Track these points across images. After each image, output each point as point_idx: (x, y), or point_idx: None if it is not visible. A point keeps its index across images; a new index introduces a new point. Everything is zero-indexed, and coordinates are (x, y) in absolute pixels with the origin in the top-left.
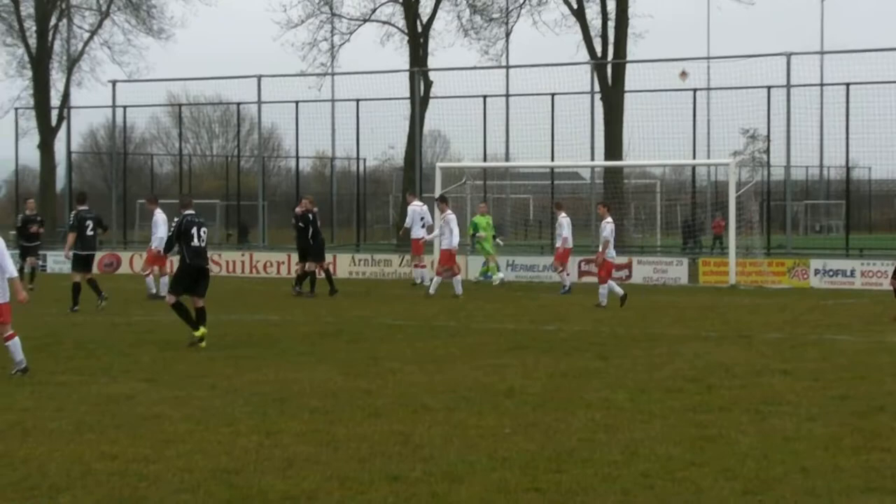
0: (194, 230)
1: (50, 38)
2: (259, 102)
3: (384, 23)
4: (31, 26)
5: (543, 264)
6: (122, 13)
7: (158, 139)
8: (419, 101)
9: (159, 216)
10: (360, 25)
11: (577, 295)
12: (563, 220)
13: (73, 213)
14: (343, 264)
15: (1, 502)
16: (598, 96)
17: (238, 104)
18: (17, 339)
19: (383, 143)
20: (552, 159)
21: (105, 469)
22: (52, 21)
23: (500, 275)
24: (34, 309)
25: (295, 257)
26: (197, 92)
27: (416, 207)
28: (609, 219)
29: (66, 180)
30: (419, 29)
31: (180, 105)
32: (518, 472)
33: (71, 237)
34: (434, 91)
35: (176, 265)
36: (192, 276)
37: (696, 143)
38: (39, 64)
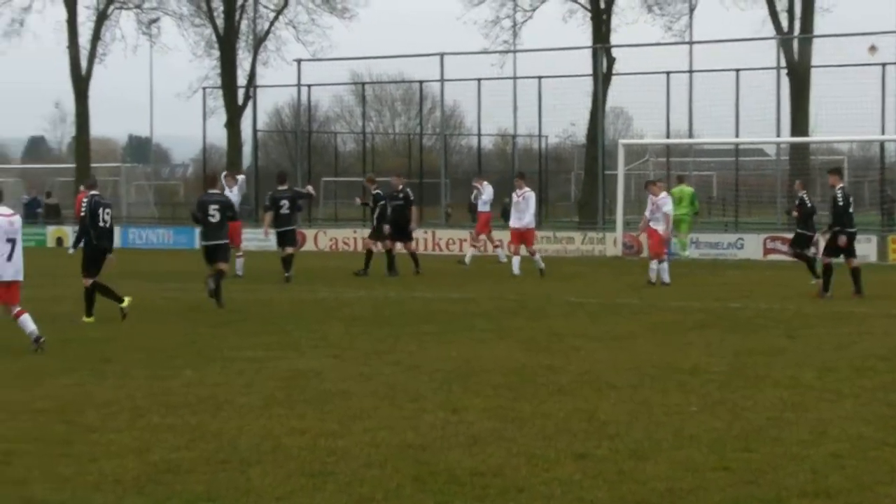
0: (100, 211)
1: (237, 18)
2: (442, 80)
3: None
4: (218, 6)
5: (728, 241)
6: None
7: (342, 117)
8: (602, 78)
9: (530, 195)
10: (542, 2)
11: (764, 272)
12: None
13: (270, 193)
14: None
15: (194, 474)
16: (783, 72)
17: (421, 82)
18: (26, 314)
19: (565, 121)
20: (736, 136)
21: (294, 443)
22: (240, 1)
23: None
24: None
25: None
26: (380, 70)
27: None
28: (664, 194)
29: (251, 159)
30: (602, 5)
31: (363, 83)
32: (705, 451)
33: (268, 216)
34: (617, 68)
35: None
36: (100, 258)
37: (885, 119)
38: (226, 44)
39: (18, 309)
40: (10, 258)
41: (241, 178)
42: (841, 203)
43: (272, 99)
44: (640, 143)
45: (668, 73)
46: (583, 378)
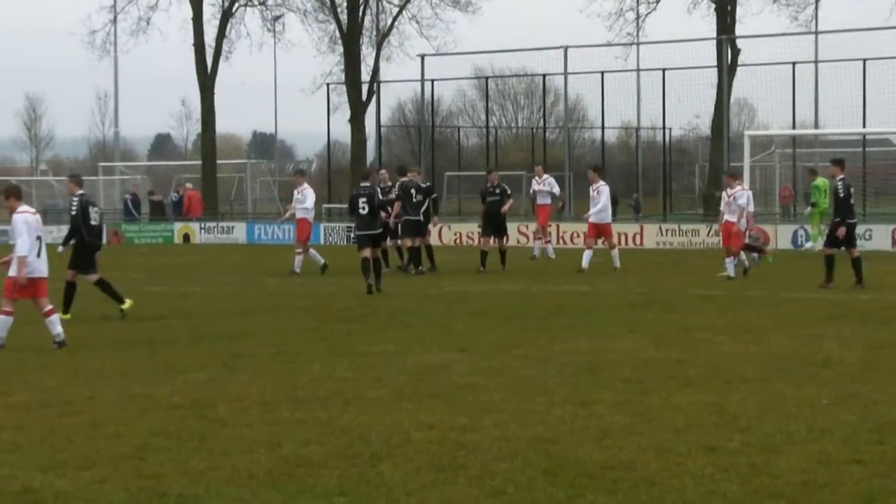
0: (90, 210)
1: (360, 14)
2: (565, 73)
3: None
4: (342, 3)
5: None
6: None
7: (465, 112)
8: (726, 69)
9: (604, 188)
10: None
11: (893, 263)
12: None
13: (399, 183)
14: (650, 235)
15: (326, 469)
16: None
17: (544, 76)
18: (55, 314)
19: (689, 113)
20: (863, 126)
21: (424, 437)
22: None
23: (809, 244)
24: (346, 280)
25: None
26: (502, 64)
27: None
28: (740, 187)
29: (375, 154)
30: None
31: (486, 78)
32: (839, 444)
33: (397, 206)
34: (741, 58)
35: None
36: (92, 255)
37: None
38: (350, 40)
39: (50, 307)
40: (39, 254)
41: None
42: (842, 194)
43: (395, 94)
44: (766, 135)
45: (793, 63)
46: (712, 371)
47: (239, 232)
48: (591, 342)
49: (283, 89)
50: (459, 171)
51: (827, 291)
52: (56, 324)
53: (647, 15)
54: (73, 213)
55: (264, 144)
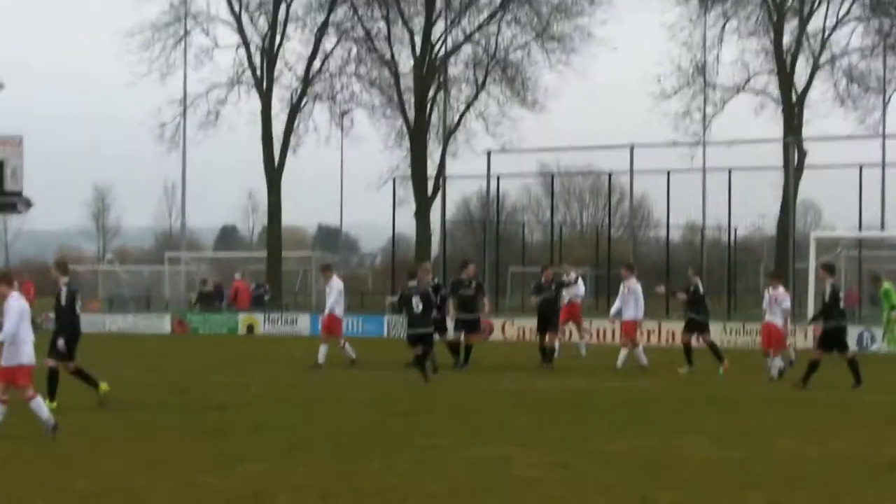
0: (77, 297)
1: (427, 110)
2: (631, 172)
3: (758, 92)
4: (409, 99)
5: None
6: (497, 86)
7: (530, 208)
8: (793, 170)
9: (636, 287)
10: (733, 96)
11: None
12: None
13: (453, 280)
14: (715, 333)
15: None
16: None
17: (609, 173)
18: (38, 398)
19: (754, 213)
20: None
21: None
22: (430, 94)
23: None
24: (405, 374)
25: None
26: (568, 161)
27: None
28: (782, 288)
29: (440, 248)
30: (794, 98)
31: (552, 175)
32: None
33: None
34: (808, 160)
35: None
36: (75, 343)
37: None
38: (417, 135)
39: (32, 392)
40: (26, 340)
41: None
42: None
43: (461, 189)
44: (832, 237)
45: (860, 165)
46: (774, 472)
47: (303, 323)
48: (653, 440)
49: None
50: (524, 266)
51: (887, 394)
52: (42, 408)
53: (713, 116)
54: (63, 302)
55: (329, 237)
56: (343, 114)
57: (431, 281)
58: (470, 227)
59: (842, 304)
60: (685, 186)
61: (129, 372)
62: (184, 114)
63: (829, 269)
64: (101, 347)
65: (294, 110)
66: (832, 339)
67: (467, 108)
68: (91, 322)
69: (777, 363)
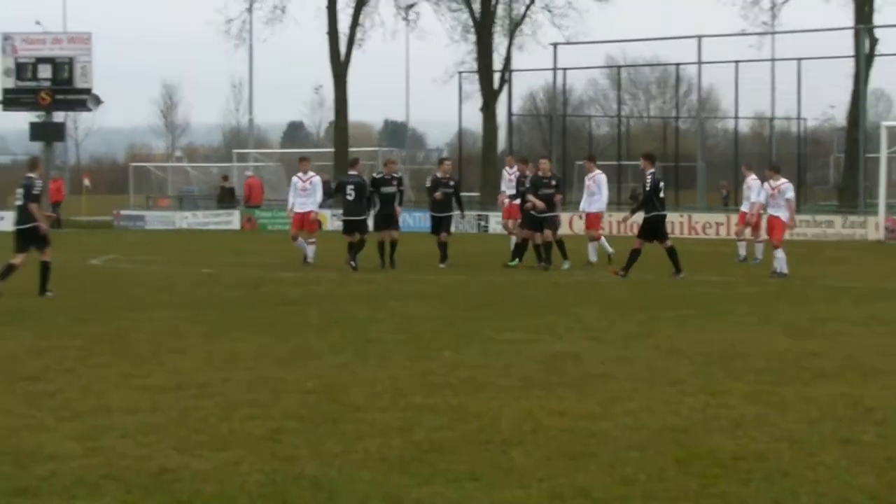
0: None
1: (493, 2)
2: (699, 63)
3: None
4: None
5: None
6: None
7: (596, 101)
8: (864, 60)
9: (601, 178)
10: None
11: None
12: (753, 182)
13: (532, 177)
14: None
15: (457, 454)
16: None
17: (677, 65)
18: None
19: (824, 103)
20: None
21: (554, 425)
22: None
23: None
24: (476, 270)
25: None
26: (635, 53)
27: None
28: (784, 179)
29: (506, 143)
30: None
31: (619, 67)
32: None
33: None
34: (879, 48)
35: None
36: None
37: None
38: (483, 28)
39: None
40: None
41: (316, 179)
42: (648, 188)
43: (527, 83)
44: None
45: None
46: (847, 363)
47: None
48: (723, 332)
49: (416, 77)
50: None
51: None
52: None
53: (782, 4)
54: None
55: (396, 133)
56: (409, 7)
57: (448, 177)
58: (536, 121)
59: (661, 194)
60: (754, 77)
61: (200, 268)
62: (250, 9)
63: (650, 158)
64: (171, 244)
65: (360, 4)
66: (654, 229)
67: (533, 0)
68: (161, 219)
69: (780, 255)
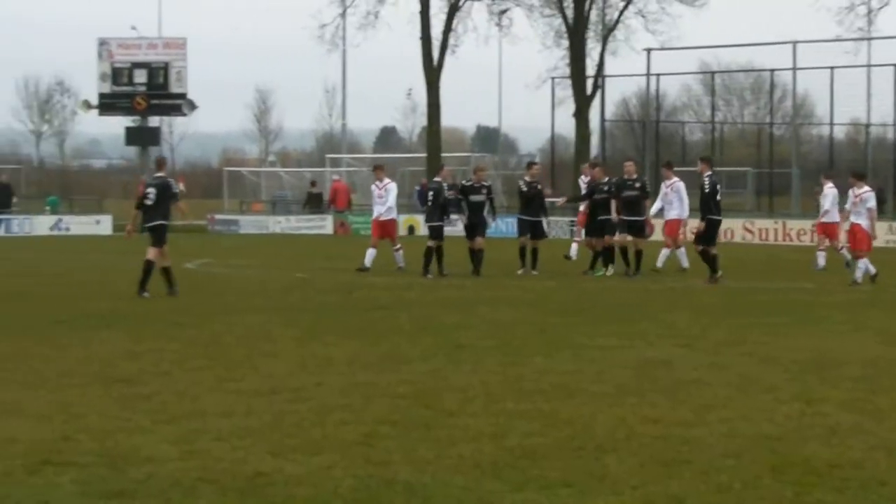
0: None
1: (587, 8)
2: (794, 69)
3: None
4: None
5: None
6: None
7: (689, 107)
8: None
9: (679, 185)
10: None
11: None
12: (829, 190)
13: (616, 180)
14: (881, 232)
15: (549, 460)
16: None
17: (771, 71)
18: None
19: None
20: None
21: (647, 432)
22: None
23: None
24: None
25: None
26: (729, 59)
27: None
28: (867, 188)
29: (599, 148)
30: None
31: (713, 72)
32: None
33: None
34: None
35: None
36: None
37: None
38: (576, 34)
39: None
40: None
41: (391, 185)
42: (707, 190)
43: (620, 88)
44: None
45: None
46: None
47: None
48: (816, 339)
49: (508, 83)
50: (683, 166)
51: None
52: None
53: (879, 9)
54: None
55: (488, 138)
56: (502, 13)
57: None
58: (629, 127)
59: (718, 197)
60: (849, 83)
61: (293, 273)
62: (343, 15)
63: (707, 161)
64: (264, 248)
65: (453, 9)
66: (706, 231)
67: (626, 5)
68: (255, 223)
69: (861, 265)
